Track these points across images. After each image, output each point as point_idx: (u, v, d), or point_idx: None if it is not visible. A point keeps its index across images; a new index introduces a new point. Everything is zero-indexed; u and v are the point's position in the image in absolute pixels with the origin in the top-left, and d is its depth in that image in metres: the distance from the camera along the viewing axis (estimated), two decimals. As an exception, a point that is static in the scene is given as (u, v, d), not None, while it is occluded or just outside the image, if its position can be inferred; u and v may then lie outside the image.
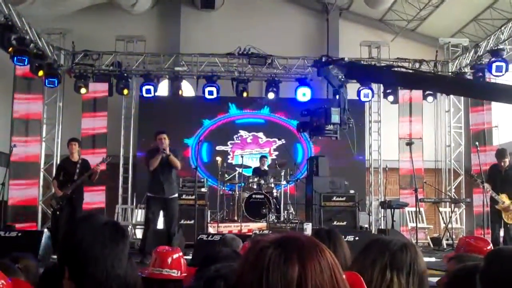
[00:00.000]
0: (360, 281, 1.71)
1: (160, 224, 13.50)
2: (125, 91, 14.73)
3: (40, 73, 13.17)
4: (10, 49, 11.69)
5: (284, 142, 15.53)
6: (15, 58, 12.02)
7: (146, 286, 3.52)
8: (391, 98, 15.44)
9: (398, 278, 2.32)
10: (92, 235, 2.16)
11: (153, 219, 9.73)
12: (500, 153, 10.92)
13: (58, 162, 13.10)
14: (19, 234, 9.02)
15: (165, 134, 9.67)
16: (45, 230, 11.02)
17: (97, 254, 2.12)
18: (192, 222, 11.32)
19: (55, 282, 2.28)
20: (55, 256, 8.88)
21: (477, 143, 11.95)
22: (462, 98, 15.62)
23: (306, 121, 10.28)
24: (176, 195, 9.89)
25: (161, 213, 9.82)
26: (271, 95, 14.92)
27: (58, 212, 10.40)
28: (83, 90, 14.41)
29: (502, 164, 10.61)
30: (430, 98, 15.27)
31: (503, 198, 10.38)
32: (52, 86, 13.91)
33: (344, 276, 1.39)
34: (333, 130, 10.16)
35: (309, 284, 1.30)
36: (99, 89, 14.84)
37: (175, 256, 3.63)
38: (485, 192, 10.58)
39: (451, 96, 15.85)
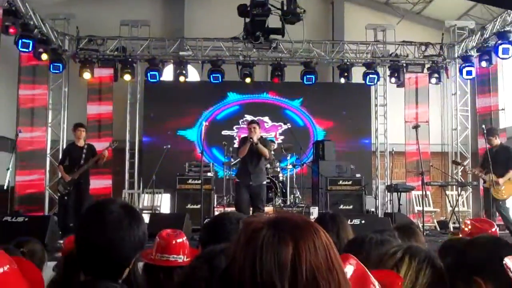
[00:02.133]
0: (397, 280, 1.68)
1: (167, 209, 13.61)
2: (130, 76, 14.71)
3: (44, 56, 13.12)
4: (14, 31, 11.67)
5: (289, 126, 15.50)
6: (20, 42, 12.02)
7: (152, 272, 3.51)
8: (396, 81, 15.39)
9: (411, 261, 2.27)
10: (96, 223, 2.18)
11: (242, 207, 9.85)
12: (487, 131, 11.10)
13: (64, 147, 13.14)
14: (26, 220, 9.06)
15: (256, 124, 9.95)
16: (52, 215, 11.10)
17: (101, 241, 2.15)
18: (198, 206, 11.32)
19: None
20: (61, 241, 8.94)
21: (483, 126, 11.91)
22: (468, 81, 15.52)
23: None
24: (264, 182, 10.18)
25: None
26: (277, 80, 14.87)
27: (65, 197, 10.44)
28: (88, 75, 14.40)
29: (491, 141, 10.78)
30: (435, 80, 15.19)
31: (491, 177, 10.58)
32: (57, 71, 13.92)
33: (338, 257, 1.38)
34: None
35: (303, 264, 1.29)
36: (104, 74, 14.84)
37: (180, 240, 3.59)
38: (469, 173, 10.87)
39: (458, 79, 15.77)
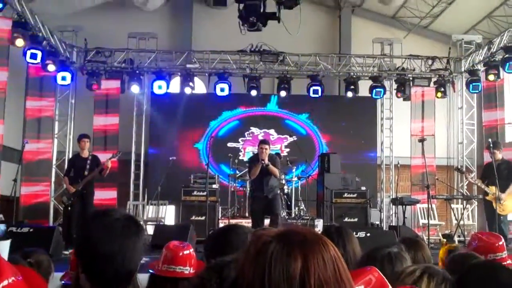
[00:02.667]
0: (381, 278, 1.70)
1: (172, 220, 13.61)
2: (137, 88, 14.76)
3: (51, 67, 13.15)
4: (23, 43, 11.73)
5: (295, 139, 15.50)
6: (28, 54, 12.08)
7: (157, 284, 3.51)
8: (403, 94, 15.39)
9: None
10: (102, 231, 2.18)
11: (257, 218, 10.41)
12: (494, 143, 11.20)
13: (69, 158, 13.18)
14: (31, 230, 9.07)
15: (267, 144, 10.37)
16: (57, 226, 11.12)
17: (107, 250, 2.14)
18: (203, 218, 11.34)
19: None
20: (66, 252, 8.98)
21: (489, 140, 11.89)
22: (475, 95, 15.52)
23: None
24: (277, 193, 10.61)
25: None
26: (283, 93, 14.88)
27: (69, 208, 10.45)
28: (95, 87, 14.45)
29: (495, 155, 10.86)
30: (441, 94, 15.18)
31: (493, 189, 10.80)
32: (64, 83, 13.97)
33: (347, 271, 1.38)
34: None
35: (312, 278, 1.29)
36: (111, 86, 14.88)
37: (186, 252, 3.59)
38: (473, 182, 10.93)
39: (464, 93, 15.77)
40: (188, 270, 3.47)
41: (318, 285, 1.29)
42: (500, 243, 3.86)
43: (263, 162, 9.95)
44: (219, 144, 15.31)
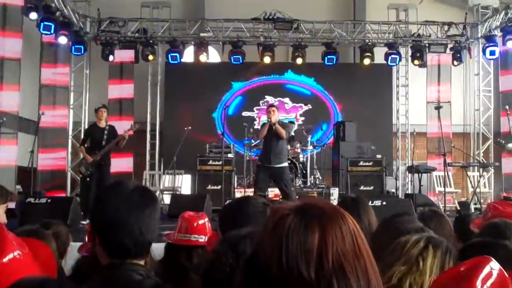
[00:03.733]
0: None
1: (188, 190, 13.69)
2: (151, 58, 14.75)
3: (63, 40, 13.17)
4: (36, 16, 11.75)
5: (310, 107, 15.45)
6: (42, 25, 12.09)
7: (172, 252, 3.56)
8: (418, 62, 15.24)
9: (435, 250, 2.26)
10: (118, 201, 2.19)
11: (259, 186, 10.19)
12: None
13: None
14: (49, 201, 9.17)
15: (275, 107, 10.18)
16: (74, 196, 11.22)
17: (124, 220, 2.15)
18: (219, 187, 11.36)
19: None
20: (84, 222, 9.07)
21: (507, 106, 11.79)
22: (491, 61, 15.35)
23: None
24: (284, 164, 10.24)
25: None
26: (299, 60, 14.79)
27: (87, 179, 10.51)
28: (110, 57, 14.46)
29: None
30: (457, 61, 15.04)
31: None
32: (78, 53, 14.01)
33: (365, 244, 1.37)
34: None
35: (330, 251, 1.28)
36: (125, 56, 14.87)
37: (201, 221, 3.64)
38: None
39: (481, 59, 15.61)
40: (203, 239, 3.52)
41: (336, 258, 1.28)
42: (517, 212, 3.84)
43: (269, 120, 9.88)
44: (234, 114, 15.31)
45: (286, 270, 1.27)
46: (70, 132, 14.60)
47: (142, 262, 2.20)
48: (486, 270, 1.45)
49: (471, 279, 1.44)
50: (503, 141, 10.69)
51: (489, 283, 1.42)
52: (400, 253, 2.16)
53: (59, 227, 3.98)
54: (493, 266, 1.47)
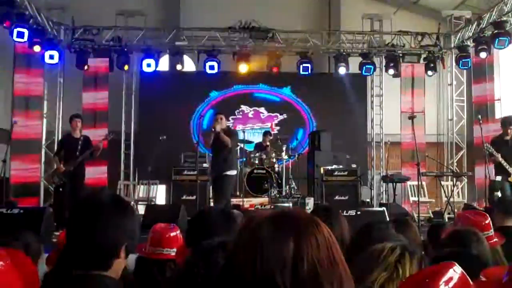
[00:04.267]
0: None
1: (162, 200, 13.61)
2: (126, 67, 14.67)
3: (37, 48, 13.05)
4: (9, 23, 11.62)
5: (285, 117, 15.48)
6: (14, 33, 11.96)
7: (144, 265, 3.50)
8: (392, 71, 15.36)
9: (411, 256, 2.29)
10: (89, 212, 2.18)
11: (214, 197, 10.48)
12: (506, 120, 10.84)
13: (60, 138, 13.11)
14: (21, 211, 9.03)
15: (222, 114, 10.27)
16: (48, 207, 11.08)
17: (87, 228, 2.16)
18: (194, 197, 11.33)
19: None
20: (57, 233, 8.94)
21: (479, 116, 11.90)
22: (464, 71, 15.54)
23: None
24: (228, 172, 10.09)
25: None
26: (274, 69, 14.83)
27: (61, 189, 10.41)
28: (84, 66, 14.34)
29: (509, 131, 10.48)
30: (430, 72, 15.19)
31: None
32: (52, 61, 13.86)
33: (340, 252, 1.37)
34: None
35: (305, 259, 1.28)
36: (99, 64, 14.77)
37: (173, 234, 3.60)
38: (488, 164, 10.56)
39: (454, 69, 15.78)
40: (176, 252, 3.48)
41: (311, 266, 1.29)
42: (487, 221, 3.89)
43: (213, 129, 9.89)
44: (209, 123, 15.28)
45: (261, 278, 1.26)
46: (44, 142, 14.42)
47: (107, 273, 2.18)
48: (449, 274, 1.54)
49: (434, 281, 1.52)
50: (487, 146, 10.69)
51: (451, 284, 1.51)
52: (378, 260, 2.18)
53: (29, 238, 3.90)
54: (456, 270, 1.57)
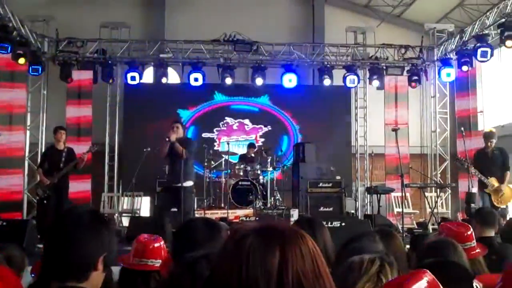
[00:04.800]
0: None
1: (147, 212, 13.55)
2: (110, 79, 14.64)
3: (21, 61, 12.99)
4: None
5: (270, 129, 15.50)
6: (-2, 45, 11.93)
7: (128, 277, 3.49)
8: (376, 83, 15.46)
9: (390, 266, 2.32)
10: (66, 226, 2.21)
11: (163, 207, 10.11)
12: (488, 134, 10.98)
13: (43, 150, 13.04)
14: (4, 224, 8.97)
15: (179, 123, 10.10)
16: (31, 219, 11.00)
17: (61, 242, 2.19)
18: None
19: None
20: (41, 246, 8.87)
21: (462, 128, 12.00)
22: (447, 83, 15.68)
23: None
24: (185, 184, 9.79)
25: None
26: (258, 81, 14.86)
27: (45, 201, 10.34)
28: (67, 78, 14.29)
29: (489, 144, 10.62)
30: (414, 84, 15.30)
31: (493, 181, 10.42)
32: (36, 74, 13.80)
33: (324, 264, 1.38)
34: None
35: (290, 271, 1.29)
36: (83, 76, 14.74)
37: (157, 245, 3.60)
38: (471, 176, 10.65)
39: (437, 81, 15.93)
40: (160, 263, 3.48)
41: (296, 278, 1.29)
42: (469, 232, 3.93)
43: (168, 139, 9.66)
44: (194, 135, 15.28)
45: None
46: (27, 154, 14.33)
47: (83, 285, 2.19)
48: (419, 280, 1.59)
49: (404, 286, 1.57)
50: (462, 159, 10.83)
51: None
52: (360, 272, 2.20)
53: (13, 251, 3.89)
54: (427, 277, 1.62)
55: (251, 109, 16.27)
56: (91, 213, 2.31)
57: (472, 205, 10.85)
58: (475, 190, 10.89)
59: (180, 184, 9.64)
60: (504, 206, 10.71)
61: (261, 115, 16.21)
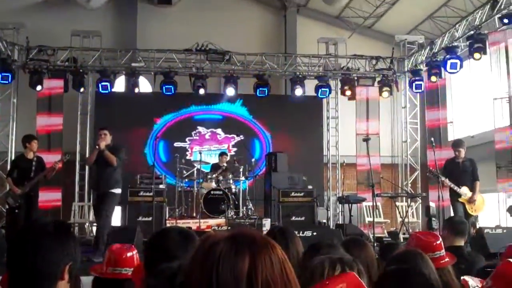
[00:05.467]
0: (358, 281, 1.72)
1: (118, 221, 13.42)
2: (81, 88, 14.54)
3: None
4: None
5: (242, 138, 15.51)
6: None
7: (101, 286, 3.48)
8: (348, 94, 15.59)
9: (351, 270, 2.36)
10: (37, 237, 2.20)
11: (95, 213, 10.02)
12: (456, 143, 11.19)
13: (12, 159, 12.88)
14: (-28, 233, 8.85)
15: (106, 130, 9.87)
16: (0, 228, 10.85)
17: (24, 253, 2.18)
18: (150, 219, 11.22)
19: None
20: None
21: (432, 139, 12.13)
22: (418, 94, 15.86)
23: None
24: (113, 190, 9.64)
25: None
26: (230, 91, 14.89)
27: (16, 210, 10.22)
28: (37, 87, 14.16)
29: (457, 153, 10.79)
30: (385, 94, 15.44)
31: (465, 190, 10.60)
32: (5, 82, 13.66)
33: (293, 273, 1.40)
34: None
35: (259, 277, 1.31)
36: (54, 85, 14.61)
37: (130, 254, 3.59)
38: (442, 187, 10.78)
39: (408, 92, 16.11)
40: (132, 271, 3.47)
41: (266, 285, 1.31)
42: (438, 242, 3.98)
43: (97, 146, 9.58)
44: (166, 144, 15.21)
45: None
46: (-3, 163, 14.17)
47: None
48: (346, 279, 1.67)
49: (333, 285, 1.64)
50: (434, 170, 10.99)
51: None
52: (322, 277, 2.24)
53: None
54: (353, 277, 1.69)
55: (223, 118, 16.28)
56: (56, 223, 2.30)
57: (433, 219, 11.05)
58: (446, 198, 11.00)
59: (109, 191, 9.54)
60: (477, 215, 10.91)
61: (233, 124, 16.21)
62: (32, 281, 2.15)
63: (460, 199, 10.68)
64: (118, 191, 9.77)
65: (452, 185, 10.60)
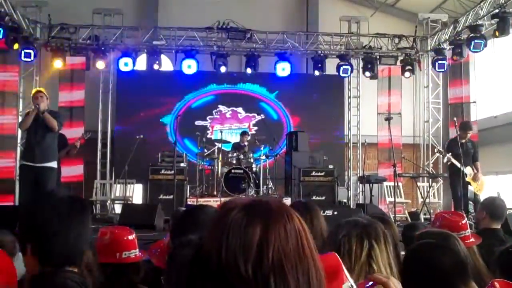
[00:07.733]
0: (337, 261, 1.69)
1: (139, 199, 13.52)
2: (103, 65, 14.54)
3: (16, 46, 12.99)
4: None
5: (263, 117, 15.47)
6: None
7: (116, 273, 3.49)
8: (369, 73, 15.45)
9: (378, 244, 2.35)
10: (48, 211, 2.19)
11: (23, 192, 8.62)
12: (469, 126, 11.34)
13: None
14: (-5, 209, 8.94)
15: (43, 94, 8.43)
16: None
17: (55, 229, 2.17)
18: (171, 197, 11.29)
19: None
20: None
21: (455, 118, 12.03)
22: (440, 73, 15.68)
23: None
24: (51, 164, 8.46)
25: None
26: (250, 70, 14.84)
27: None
28: (59, 64, 14.21)
29: (464, 135, 10.97)
30: (407, 73, 15.27)
31: (469, 170, 10.84)
32: (28, 59, 13.70)
33: (313, 245, 1.34)
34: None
35: (271, 248, 1.24)
36: (76, 62, 14.67)
37: (131, 237, 3.61)
38: (444, 163, 10.94)
39: (430, 71, 15.93)
40: (134, 254, 3.51)
41: (277, 258, 1.24)
42: (464, 221, 3.95)
43: (37, 106, 8.14)
44: (187, 121, 15.21)
45: (225, 263, 1.24)
46: (19, 140, 14.26)
47: (75, 270, 2.19)
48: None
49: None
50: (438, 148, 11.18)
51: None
52: (350, 259, 2.29)
53: (4, 237, 3.87)
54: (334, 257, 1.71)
55: (244, 97, 16.26)
56: (76, 201, 2.31)
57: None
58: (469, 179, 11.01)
59: (44, 164, 8.31)
60: (480, 194, 11.02)
61: (254, 103, 16.19)
62: (68, 259, 2.18)
63: (467, 179, 10.83)
64: (55, 165, 8.65)
65: (455, 161, 10.72)
